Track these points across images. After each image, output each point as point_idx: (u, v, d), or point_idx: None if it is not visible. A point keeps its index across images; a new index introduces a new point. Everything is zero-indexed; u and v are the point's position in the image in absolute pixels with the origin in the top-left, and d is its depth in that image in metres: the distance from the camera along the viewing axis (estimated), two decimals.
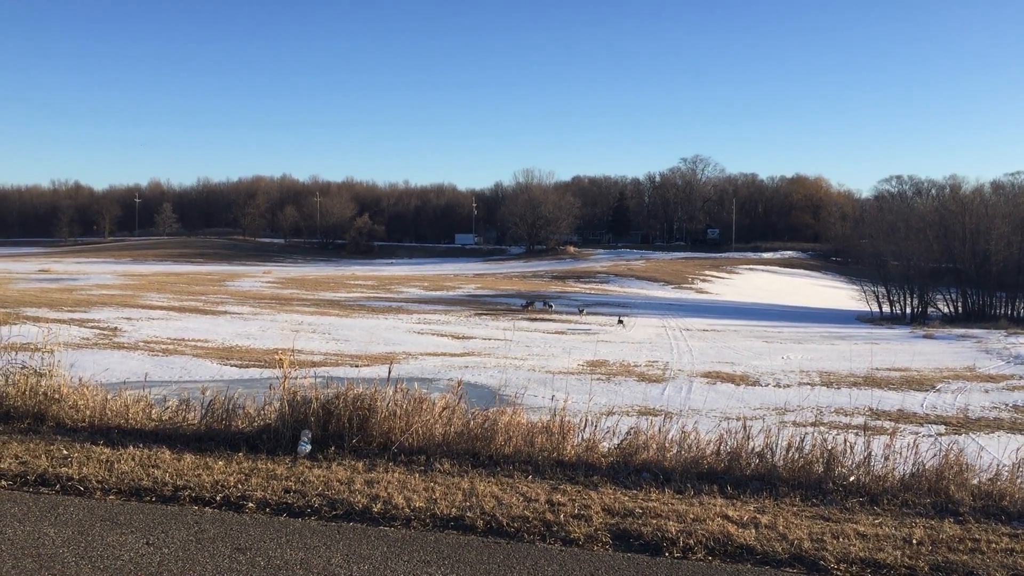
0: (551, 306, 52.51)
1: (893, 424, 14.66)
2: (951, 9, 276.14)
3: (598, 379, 20.44)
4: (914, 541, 6.08)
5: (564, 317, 46.16)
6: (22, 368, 9.70)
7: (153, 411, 9.44)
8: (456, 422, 8.48)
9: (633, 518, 6.43)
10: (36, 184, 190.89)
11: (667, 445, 8.29)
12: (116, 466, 7.38)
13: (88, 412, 9.06)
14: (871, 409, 16.57)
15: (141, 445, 8.11)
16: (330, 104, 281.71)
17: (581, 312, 49.80)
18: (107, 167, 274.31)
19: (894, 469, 7.73)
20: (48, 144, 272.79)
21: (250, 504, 6.61)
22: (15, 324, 24.80)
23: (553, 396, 11.45)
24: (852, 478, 7.57)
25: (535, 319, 44.15)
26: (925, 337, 42.87)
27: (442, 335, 33.29)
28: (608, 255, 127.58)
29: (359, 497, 6.72)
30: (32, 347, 11.19)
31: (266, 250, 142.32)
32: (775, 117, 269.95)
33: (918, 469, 7.67)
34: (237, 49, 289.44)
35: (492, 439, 8.23)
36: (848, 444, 7.95)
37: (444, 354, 26.08)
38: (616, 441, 8.60)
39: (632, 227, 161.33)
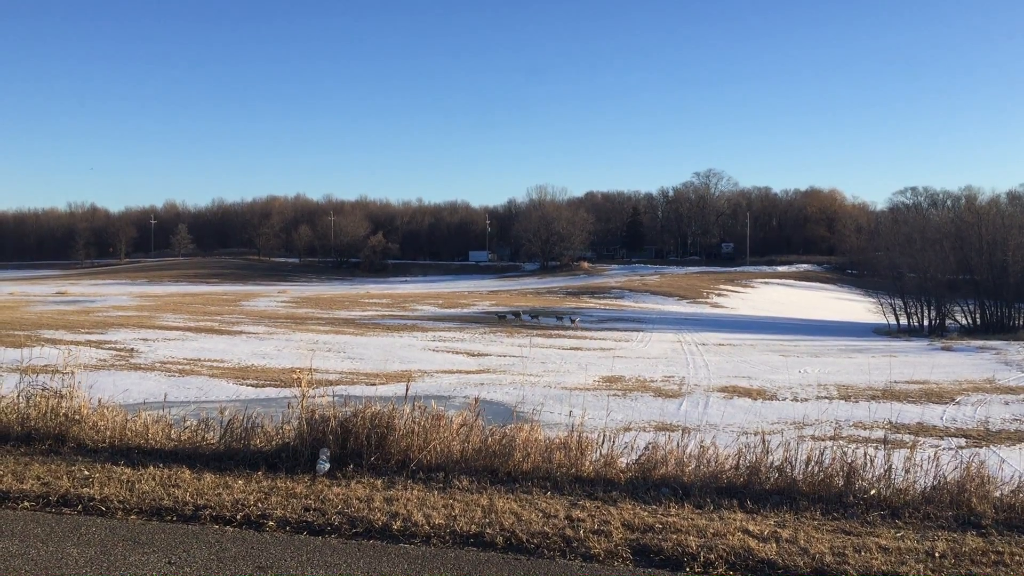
0: (537, 319, 53.24)
1: (913, 437, 14.57)
2: (966, 20, 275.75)
3: (614, 395, 20.38)
4: (937, 555, 6.04)
5: (553, 331, 46.12)
6: (43, 390, 9.79)
7: (172, 431, 9.50)
8: (474, 439, 8.49)
9: (653, 533, 6.42)
10: (53, 207, 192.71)
11: (686, 460, 8.28)
12: (137, 486, 7.43)
13: (108, 433, 9.14)
14: (890, 422, 16.44)
15: (161, 465, 8.17)
16: (343, 123, 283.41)
17: (573, 322, 50.83)
18: (123, 189, 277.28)
19: (915, 482, 7.69)
20: (65, 167, 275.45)
21: (270, 523, 6.65)
22: (34, 346, 25.04)
23: (570, 412, 11.43)
24: (873, 492, 7.52)
25: (552, 335, 44.11)
26: (943, 349, 42.54)
27: (457, 352, 33.30)
28: (622, 270, 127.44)
29: (378, 515, 6.74)
30: (52, 369, 11.31)
31: (281, 270, 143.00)
32: (788, 130, 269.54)
33: (939, 482, 7.63)
34: (250, 71, 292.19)
35: (510, 456, 8.24)
36: (868, 457, 7.91)
37: (460, 371, 26.08)
38: (634, 456, 8.59)
39: (646, 242, 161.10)
